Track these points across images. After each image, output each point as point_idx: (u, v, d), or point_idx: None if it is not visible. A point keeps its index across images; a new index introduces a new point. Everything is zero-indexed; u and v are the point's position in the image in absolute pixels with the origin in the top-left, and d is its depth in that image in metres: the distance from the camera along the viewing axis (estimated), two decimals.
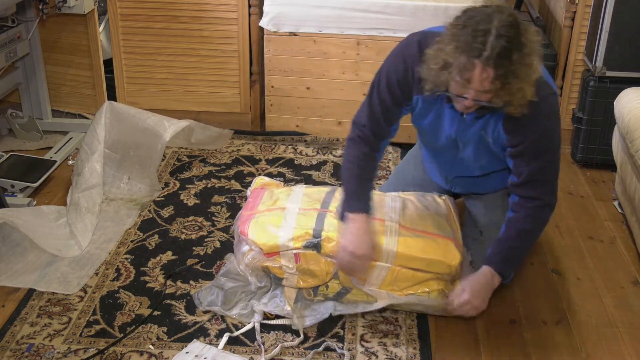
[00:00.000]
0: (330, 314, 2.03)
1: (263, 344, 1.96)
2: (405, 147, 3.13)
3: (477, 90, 1.72)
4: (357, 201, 1.99)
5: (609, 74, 2.87)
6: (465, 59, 1.67)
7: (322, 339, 2.00)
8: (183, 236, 2.47)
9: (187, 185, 2.81)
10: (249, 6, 3.10)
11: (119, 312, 2.09)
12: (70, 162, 2.95)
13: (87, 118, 3.25)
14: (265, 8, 3.03)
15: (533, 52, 1.71)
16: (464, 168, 2.18)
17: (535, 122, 1.87)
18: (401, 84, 1.96)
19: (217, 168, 2.95)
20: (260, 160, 3.04)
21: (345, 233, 1.96)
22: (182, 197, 2.72)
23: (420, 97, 1.97)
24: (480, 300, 1.97)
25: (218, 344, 1.96)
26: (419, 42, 1.91)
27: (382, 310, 2.08)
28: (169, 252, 2.38)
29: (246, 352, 1.95)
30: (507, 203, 2.08)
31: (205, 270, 2.29)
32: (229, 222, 2.55)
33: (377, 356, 1.95)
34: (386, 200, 2.18)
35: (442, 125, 2.04)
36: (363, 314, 2.08)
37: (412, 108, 2.04)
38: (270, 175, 2.85)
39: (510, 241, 2.00)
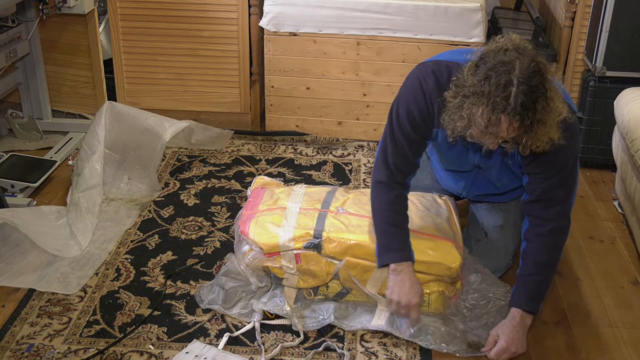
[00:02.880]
0: (330, 322, 2.02)
1: (263, 344, 1.96)
2: None
3: (502, 139, 1.70)
4: (399, 250, 1.95)
5: (609, 74, 2.87)
6: (490, 114, 1.63)
7: (322, 339, 2.00)
8: (183, 236, 2.47)
9: (187, 185, 2.81)
10: (249, 6, 3.10)
11: (119, 312, 2.09)
12: (70, 162, 2.95)
13: (87, 118, 3.25)
14: (265, 8, 3.03)
15: (556, 95, 1.67)
16: (485, 187, 2.16)
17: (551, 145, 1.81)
18: (424, 116, 1.90)
19: (217, 168, 2.95)
20: (260, 160, 3.04)
21: (393, 285, 1.94)
22: (182, 197, 2.72)
23: (439, 130, 1.91)
24: (519, 345, 1.94)
25: (218, 344, 1.96)
26: (435, 74, 1.86)
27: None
28: (169, 252, 2.38)
29: (246, 352, 1.95)
30: (512, 206, 2.08)
31: (205, 270, 2.29)
32: (229, 222, 2.55)
33: (377, 356, 1.95)
34: None
35: (467, 154, 2.01)
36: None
37: (433, 139, 1.99)
38: (270, 175, 2.85)
39: (531, 277, 1.95)
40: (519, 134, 1.67)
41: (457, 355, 1.95)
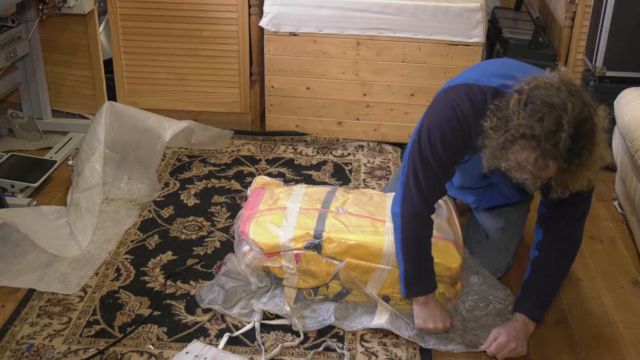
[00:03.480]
0: (330, 323, 2.03)
1: (263, 344, 1.96)
2: (405, 147, 3.13)
3: (544, 180, 1.67)
4: (427, 283, 1.95)
5: (609, 74, 2.87)
6: (539, 159, 1.59)
7: (322, 339, 2.00)
8: (183, 236, 2.47)
9: (187, 185, 2.81)
10: (249, 6, 3.10)
11: (119, 312, 2.09)
12: (70, 162, 2.95)
13: (87, 118, 3.25)
14: (265, 8, 3.03)
15: (601, 137, 1.63)
16: (495, 199, 2.15)
17: None
18: (459, 143, 1.81)
19: (217, 168, 2.95)
20: (260, 160, 3.04)
21: (425, 316, 1.95)
22: (182, 197, 2.72)
23: (469, 155, 1.88)
24: (519, 344, 1.94)
25: (218, 344, 1.96)
26: (470, 99, 1.77)
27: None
28: (169, 252, 2.38)
29: (246, 352, 1.95)
30: (513, 207, 2.08)
31: (205, 270, 2.29)
32: (229, 222, 2.55)
33: (377, 356, 1.95)
34: (387, 201, 2.18)
35: (479, 173, 1.96)
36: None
37: (463, 162, 1.95)
38: (270, 175, 2.85)
39: (539, 287, 1.97)
40: (562, 176, 1.64)
41: (455, 352, 1.96)
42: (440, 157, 1.81)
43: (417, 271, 1.93)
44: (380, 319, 2.01)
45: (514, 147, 1.61)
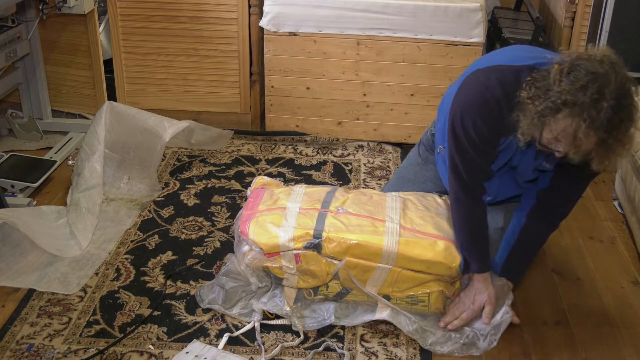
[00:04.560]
0: (331, 322, 2.03)
1: (263, 344, 1.96)
2: (405, 147, 3.13)
3: (579, 151, 1.65)
4: (486, 262, 2.02)
5: None
6: (581, 126, 1.58)
7: (322, 339, 2.00)
8: (183, 236, 2.47)
9: (187, 185, 2.81)
10: (249, 6, 3.10)
11: (119, 312, 2.09)
12: (70, 162, 2.95)
13: (87, 118, 3.25)
14: (265, 8, 3.03)
15: (638, 117, 1.64)
16: (510, 189, 2.11)
17: None
18: (494, 128, 1.82)
19: (217, 168, 2.95)
20: (260, 160, 3.04)
21: (483, 288, 2.01)
22: (182, 197, 2.72)
23: (506, 138, 1.87)
24: (484, 286, 2.00)
25: (218, 344, 1.96)
26: (500, 81, 1.77)
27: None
28: (169, 252, 2.38)
29: (246, 352, 1.95)
30: (511, 206, 2.07)
31: (205, 270, 2.29)
32: (229, 222, 2.55)
33: (377, 356, 1.95)
34: (387, 201, 2.18)
35: (508, 158, 1.96)
36: None
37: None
38: (270, 175, 2.85)
39: (522, 254, 2.04)
40: (593, 149, 1.63)
41: (455, 354, 1.96)
42: (475, 143, 1.84)
43: (474, 248, 1.97)
44: (382, 314, 2.02)
45: (556, 115, 1.60)
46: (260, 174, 2.86)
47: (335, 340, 1.99)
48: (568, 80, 1.59)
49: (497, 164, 1.96)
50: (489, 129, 1.82)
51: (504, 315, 2.00)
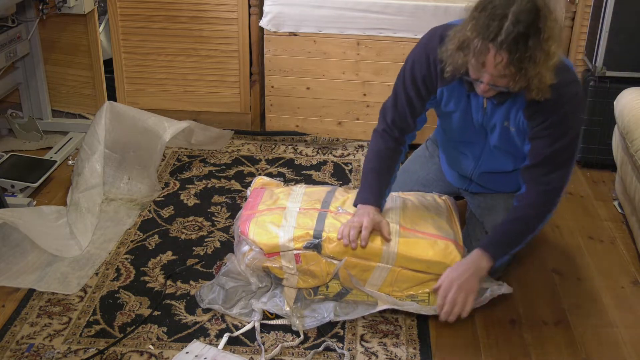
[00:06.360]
0: (330, 320, 2.03)
1: (263, 344, 1.96)
2: (410, 147, 3.12)
3: (492, 75, 1.75)
4: (370, 194, 2.06)
5: (609, 74, 2.87)
6: (480, 42, 1.70)
7: (322, 339, 2.00)
8: (183, 236, 2.47)
9: (187, 185, 2.81)
10: (249, 6, 3.10)
11: (119, 312, 2.09)
12: (70, 162, 2.95)
13: (87, 118, 3.26)
14: (265, 8, 3.04)
15: (552, 38, 1.71)
16: (493, 160, 2.16)
17: (555, 106, 1.86)
18: (425, 79, 2.00)
19: (217, 168, 2.95)
20: (260, 160, 3.04)
21: (353, 217, 2.03)
22: (182, 197, 2.72)
23: (444, 88, 2.00)
24: (457, 274, 1.94)
25: (218, 344, 1.96)
26: (441, 36, 1.91)
27: (382, 310, 2.08)
28: (169, 252, 2.38)
29: (246, 352, 1.95)
30: (512, 203, 2.07)
31: (205, 270, 2.29)
32: (229, 222, 2.55)
33: (377, 356, 1.95)
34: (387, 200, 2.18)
35: (470, 114, 2.04)
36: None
37: (437, 102, 2.06)
38: (270, 175, 2.85)
39: (507, 225, 2.02)
40: (508, 72, 1.71)
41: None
42: (407, 87, 2.03)
43: (363, 179, 2.09)
44: (382, 308, 2.03)
45: (461, 32, 1.75)
46: (260, 174, 2.86)
47: (335, 340, 1.99)
48: (476, 9, 1.74)
49: (460, 122, 2.07)
50: (423, 78, 2.00)
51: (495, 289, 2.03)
